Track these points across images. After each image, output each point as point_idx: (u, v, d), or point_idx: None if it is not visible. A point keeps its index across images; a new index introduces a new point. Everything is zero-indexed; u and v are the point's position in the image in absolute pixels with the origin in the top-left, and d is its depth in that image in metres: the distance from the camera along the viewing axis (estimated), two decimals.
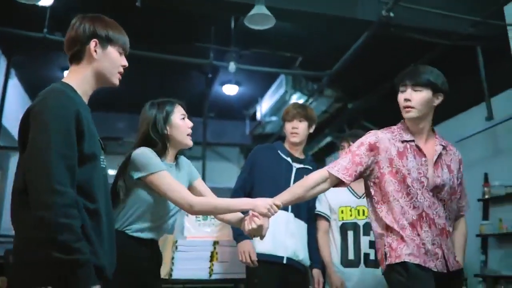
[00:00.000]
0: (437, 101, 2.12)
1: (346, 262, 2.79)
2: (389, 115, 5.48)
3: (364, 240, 2.78)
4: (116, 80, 1.75)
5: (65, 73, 6.11)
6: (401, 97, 2.13)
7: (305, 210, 2.79)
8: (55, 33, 5.22)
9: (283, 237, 2.66)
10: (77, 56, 1.67)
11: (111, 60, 1.70)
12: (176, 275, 2.76)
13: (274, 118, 7.37)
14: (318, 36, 5.69)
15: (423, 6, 4.23)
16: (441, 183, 2.06)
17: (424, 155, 2.08)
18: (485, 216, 5.34)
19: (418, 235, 2.01)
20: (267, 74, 6.81)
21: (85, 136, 1.52)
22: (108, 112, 8.61)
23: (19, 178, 1.51)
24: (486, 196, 5.28)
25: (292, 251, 2.66)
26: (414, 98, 2.09)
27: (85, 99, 1.67)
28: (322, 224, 2.88)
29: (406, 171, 2.05)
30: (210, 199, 2.17)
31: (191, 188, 2.24)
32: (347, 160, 2.14)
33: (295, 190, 2.16)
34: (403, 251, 1.99)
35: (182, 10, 4.91)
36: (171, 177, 2.04)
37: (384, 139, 2.13)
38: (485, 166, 5.40)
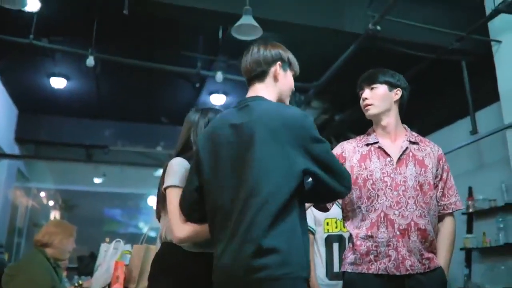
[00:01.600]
0: (396, 96, 2.16)
1: (331, 275, 2.77)
2: None
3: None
4: (288, 102, 1.89)
5: (52, 79, 6.04)
6: (361, 99, 2.20)
7: None
8: (41, 39, 5.18)
9: None
10: (261, 77, 1.83)
11: (289, 82, 1.87)
12: None
13: None
14: (305, 48, 5.70)
15: (410, 20, 4.27)
16: (403, 180, 2.03)
17: (389, 155, 2.09)
18: (469, 230, 5.37)
19: (372, 237, 2.00)
20: None
21: None
22: (94, 120, 8.56)
23: None
24: (470, 210, 5.31)
25: None
26: (371, 96, 2.16)
27: None
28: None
29: (368, 173, 2.07)
30: (201, 230, 1.85)
31: None
32: None
33: None
34: (347, 261, 2.06)
35: (170, 19, 4.90)
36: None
37: (349, 148, 2.19)
38: (470, 179, 5.44)
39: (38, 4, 4.51)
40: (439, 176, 2.11)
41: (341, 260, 2.73)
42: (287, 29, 4.60)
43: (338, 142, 7.14)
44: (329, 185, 1.64)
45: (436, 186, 2.10)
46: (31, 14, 4.78)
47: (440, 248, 2.05)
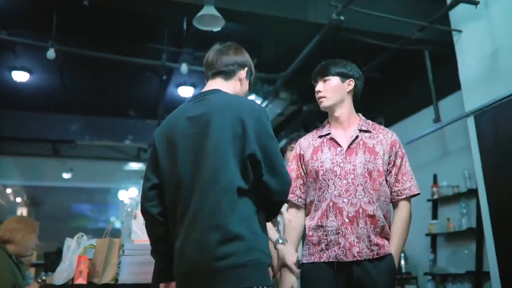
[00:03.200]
0: (349, 86, 2.19)
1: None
2: None
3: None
4: None
5: (13, 73, 5.90)
6: (315, 92, 2.24)
7: None
8: (1, 31, 5.04)
9: None
10: (229, 74, 1.89)
11: (246, 90, 1.96)
12: (122, 279, 2.68)
13: None
14: (272, 38, 5.73)
15: (373, 11, 4.31)
16: (352, 168, 2.06)
17: (339, 145, 2.13)
18: (434, 216, 5.49)
19: (322, 226, 2.05)
20: None
21: None
22: (60, 114, 8.39)
23: None
24: (435, 197, 5.44)
25: None
26: (324, 88, 2.19)
27: None
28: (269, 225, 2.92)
29: (319, 165, 2.11)
30: None
31: None
32: None
33: (292, 240, 2.19)
34: (303, 252, 2.13)
35: (133, 10, 4.82)
36: None
37: (304, 144, 2.25)
38: (434, 167, 5.56)
39: None
40: (392, 162, 2.13)
41: None
42: (250, 19, 4.59)
43: (307, 132, 7.18)
44: (266, 182, 1.66)
45: (389, 173, 2.12)
46: None
47: (392, 235, 2.07)
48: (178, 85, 7.23)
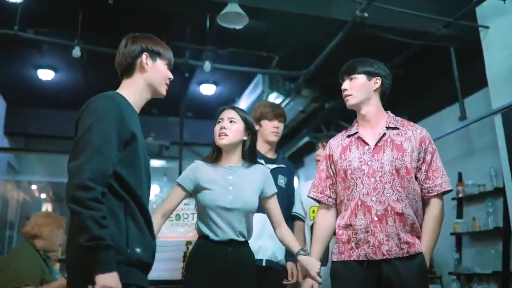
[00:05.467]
0: (376, 85, 2.18)
1: None
2: None
3: (333, 240, 2.80)
4: (163, 90, 1.91)
5: (39, 71, 6.02)
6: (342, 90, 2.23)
7: (282, 210, 2.78)
8: (27, 30, 5.12)
9: (262, 240, 2.65)
10: (129, 69, 1.85)
11: (160, 72, 1.88)
12: (149, 276, 2.72)
13: None
14: (294, 36, 5.70)
15: (397, 7, 4.26)
16: (379, 166, 2.05)
17: (367, 143, 2.12)
18: (459, 215, 5.41)
19: (351, 225, 2.05)
20: (244, 74, 6.80)
21: (130, 138, 1.66)
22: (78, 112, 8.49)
23: None
24: (460, 195, 5.35)
25: (271, 253, 2.66)
26: (350, 86, 2.19)
27: (136, 109, 1.83)
28: (296, 225, 2.92)
29: (347, 164, 2.12)
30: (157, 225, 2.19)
31: (263, 201, 2.35)
32: (316, 179, 2.30)
33: (320, 240, 2.22)
34: (333, 251, 2.14)
35: (156, 8, 4.85)
36: (172, 192, 2.32)
37: (333, 145, 2.25)
38: (459, 165, 5.47)
39: None
40: (422, 158, 2.10)
41: None
42: (274, 17, 4.57)
43: (328, 130, 7.16)
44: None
45: (419, 169, 2.09)
46: (15, 5, 4.72)
47: (423, 233, 2.05)
48: (200, 83, 7.27)
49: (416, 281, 1.97)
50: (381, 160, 2.06)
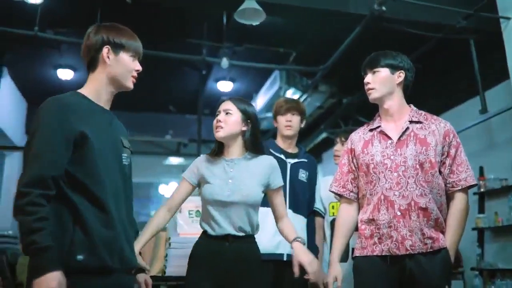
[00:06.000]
0: (399, 78, 2.15)
1: None
2: None
3: (354, 236, 2.79)
4: (130, 83, 1.84)
5: (58, 71, 6.08)
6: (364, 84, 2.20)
7: (304, 204, 2.79)
8: (47, 30, 5.19)
9: None
10: (93, 63, 1.79)
11: (124, 65, 1.79)
12: (169, 272, 2.74)
13: (269, 114, 7.34)
14: (311, 31, 5.67)
15: (415, 0, 4.21)
16: (403, 160, 2.02)
17: (390, 138, 2.09)
18: (481, 210, 5.34)
19: (374, 220, 2.03)
20: (261, 70, 6.79)
21: (78, 138, 1.61)
22: None
23: None
24: (482, 190, 5.28)
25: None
26: (373, 80, 2.16)
27: (102, 104, 1.79)
28: (317, 220, 2.91)
29: (369, 158, 2.10)
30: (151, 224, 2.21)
31: (268, 193, 2.29)
32: (338, 173, 2.27)
33: (343, 234, 2.20)
34: (355, 246, 2.12)
35: (173, 6, 4.88)
36: (178, 186, 2.32)
37: (355, 139, 2.23)
38: (481, 159, 5.39)
39: None
40: (446, 152, 2.07)
41: None
42: (291, 12, 4.56)
43: (346, 126, 7.16)
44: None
45: (443, 164, 2.07)
46: (35, 6, 4.79)
47: (448, 228, 2.03)
48: (217, 80, 7.28)
49: (440, 276, 1.95)
50: (404, 154, 2.03)
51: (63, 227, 1.56)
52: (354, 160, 2.19)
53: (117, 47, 1.78)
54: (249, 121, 2.27)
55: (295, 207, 2.72)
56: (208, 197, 2.21)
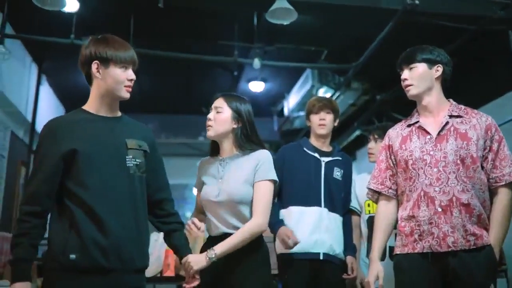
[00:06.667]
0: (437, 72, 2.11)
1: None
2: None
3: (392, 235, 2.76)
4: (124, 94, 1.92)
5: None
6: (402, 80, 2.16)
7: (339, 203, 2.77)
8: (82, 38, 5.31)
9: (318, 233, 2.64)
10: (88, 78, 1.92)
11: (114, 78, 1.87)
12: None
13: (302, 113, 7.32)
14: (342, 28, 5.62)
15: None
16: (443, 156, 1.98)
17: (429, 133, 2.05)
18: None
19: (414, 217, 1.98)
20: (292, 69, 6.78)
21: (69, 154, 1.80)
22: (139, 114, 8.73)
23: None
24: None
25: (328, 246, 2.64)
26: (410, 76, 2.11)
27: (104, 113, 1.92)
28: (353, 219, 2.89)
29: (408, 154, 2.06)
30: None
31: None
32: (376, 170, 2.24)
33: (382, 229, 2.18)
34: (396, 244, 2.08)
35: (204, 8, 4.92)
36: (196, 196, 2.39)
37: (393, 135, 2.19)
38: None
39: (76, 4, 4.64)
40: (488, 147, 2.02)
41: None
42: (322, 10, 4.53)
43: (380, 122, 7.06)
44: None
45: (485, 158, 2.01)
46: (71, 14, 4.91)
47: (492, 224, 1.98)
48: (249, 80, 7.30)
49: (485, 274, 1.91)
50: (444, 149, 2.00)
51: (61, 230, 1.77)
52: (392, 157, 2.16)
53: (105, 61, 1.85)
54: (240, 118, 2.22)
55: (331, 206, 2.71)
56: (202, 199, 2.24)
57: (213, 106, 2.27)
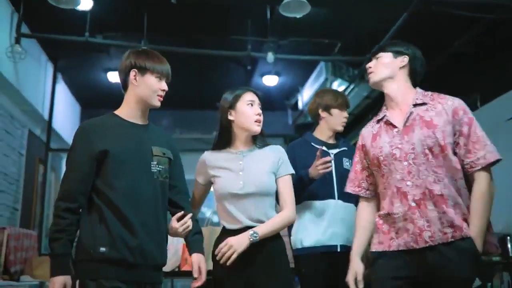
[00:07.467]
0: (402, 63, 2.05)
1: None
2: None
3: None
4: (156, 102, 2.09)
5: (108, 74, 6.29)
6: None
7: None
8: (96, 35, 5.36)
9: (334, 225, 2.64)
10: (125, 85, 2.08)
11: (149, 86, 2.04)
12: None
13: None
14: (356, 20, 5.58)
15: None
16: (411, 148, 1.90)
17: (395, 126, 1.99)
18: None
19: (390, 214, 1.93)
20: (306, 63, 6.75)
21: (100, 155, 1.94)
22: (153, 110, 8.76)
23: None
24: None
25: (345, 238, 2.64)
26: (374, 64, 2.09)
27: (135, 119, 2.08)
28: None
29: (378, 151, 2.00)
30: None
31: (276, 181, 2.26)
32: (352, 172, 2.20)
33: (362, 226, 2.14)
34: (373, 241, 2.03)
35: (217, 3, 4.92)
36: (194, 188, 2.40)
37: (365, 133, 2.15)
38: None
39: (90, 2, 4.68)
40: (458, 131, 1.90)
41: None
42: (335, 2, 4.51)
43: None
44: None
45: (457, 144, 1.90)
46: (84, 13, 4.96)
47: (471, 214, 1.85)
48: (262, 75, 7.29)
49: (466, 268, 1.79)
50: (411, 141, 1.91)
51: (91, 225, 1.91)
52: (366, 156, 2.11)
53: (142, 70, 2.03)
54: None
55: (345, 197, 2.70)
56: (221, 192, 2.22)
57: (255, 100, 2.32)
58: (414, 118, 1.96)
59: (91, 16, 5.03)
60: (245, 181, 2.18)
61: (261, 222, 2.16)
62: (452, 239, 1.81)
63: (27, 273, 4.44)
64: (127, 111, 2.08)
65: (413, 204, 1.87)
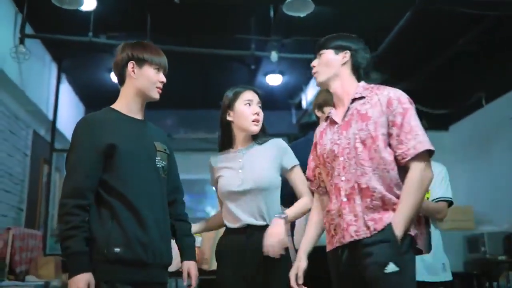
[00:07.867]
0: (344, 59, 2.02)
1: None
2: (439, 95, 5.32)
3: None
4: (155, 94, 2.04)
5: (112, 74, 6.29)
6: None
7: None
8: (100, 35, 5.36)
9: None
10: (121, 78, 2.02)
11: (148, 77, 1.98)
12: None
13: None
14: (360, 18, 5.56)
15: None
16: (347, 142, 1.89)
17: (336, 122, 1.98)
18: None
19: (329, 211, 1.92)
20: (310, 62, 6.67)
21: (107, 149, 1.86)
22: (156, 110, 8.78)
23: None
24: None
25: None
26: (318, 63, 2.07)
27: (134, 114, 2.02)
28: None
29: (323, 149, 2.00)
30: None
31: (286, 174, 2.27)
32: (308, 170, 2.17)
33: (314, 223, 2.11)
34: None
35: (220, 2, 4.91)
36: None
37: (316, 132, 2.14)
38: None
39: (94, 2, 4.68)
40: (391, 122, 1.85)
41: None
42: (338, 1, 4.50)
43: None
44: None
45: (390, 135, 1.86)
46: (88, 13, 4.96)
47: (399, 201, 1.81)
48: (266, 74, 7.28)
49: (383, 254, 1.74)
50: (347, 135, 1.90)
51: (102, 223, 1.81)
52: (317, 155, 2.10)
53: (140, 62, 1.97)
54: None
55: None
56: (222, 191, 2.23)
57: (254, 99, 2.31)
58: (352, 113, 1.94)
59: (95, 16, 5.03)
60: (244, 178, 2.18)
61: (264, 218, 2.16)
62: (375, 231, 1.78)
63: (32, 273, 4.45)
64: (126, 105, 2.01)
65: (345, 200, 1.86)
